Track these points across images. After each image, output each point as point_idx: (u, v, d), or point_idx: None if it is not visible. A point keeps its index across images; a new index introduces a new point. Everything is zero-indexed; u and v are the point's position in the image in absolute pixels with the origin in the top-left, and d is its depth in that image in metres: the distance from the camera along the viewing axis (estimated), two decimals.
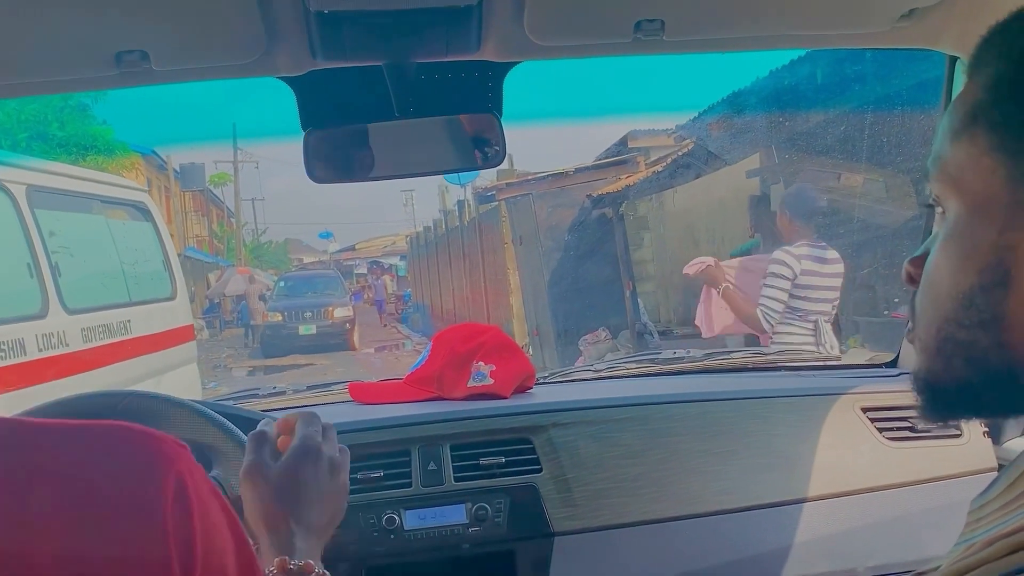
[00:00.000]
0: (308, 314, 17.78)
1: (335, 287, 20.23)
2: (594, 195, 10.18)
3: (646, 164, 9.94)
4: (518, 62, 1.39)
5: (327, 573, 0.90)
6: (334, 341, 17.03)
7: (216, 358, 15.65)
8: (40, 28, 1.18)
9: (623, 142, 11.27)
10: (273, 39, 1.23)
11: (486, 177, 13.74)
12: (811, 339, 3.35)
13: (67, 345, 4.47)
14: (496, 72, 1.40)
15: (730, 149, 7.91)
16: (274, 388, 1.88)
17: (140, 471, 0.63)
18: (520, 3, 1.19)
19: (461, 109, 1.39)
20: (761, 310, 3.36)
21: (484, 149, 1.40)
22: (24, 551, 0.59)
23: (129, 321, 5.31)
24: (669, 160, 8.88)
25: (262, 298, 19.36)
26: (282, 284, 21.09)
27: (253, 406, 1.66)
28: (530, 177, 11.85)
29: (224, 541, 0.67)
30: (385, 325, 22.24)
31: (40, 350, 4.25)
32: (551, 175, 11.12)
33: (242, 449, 1.17)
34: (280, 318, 17.85)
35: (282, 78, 1.35)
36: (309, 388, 1.88)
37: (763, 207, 6.62)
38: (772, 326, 3.37)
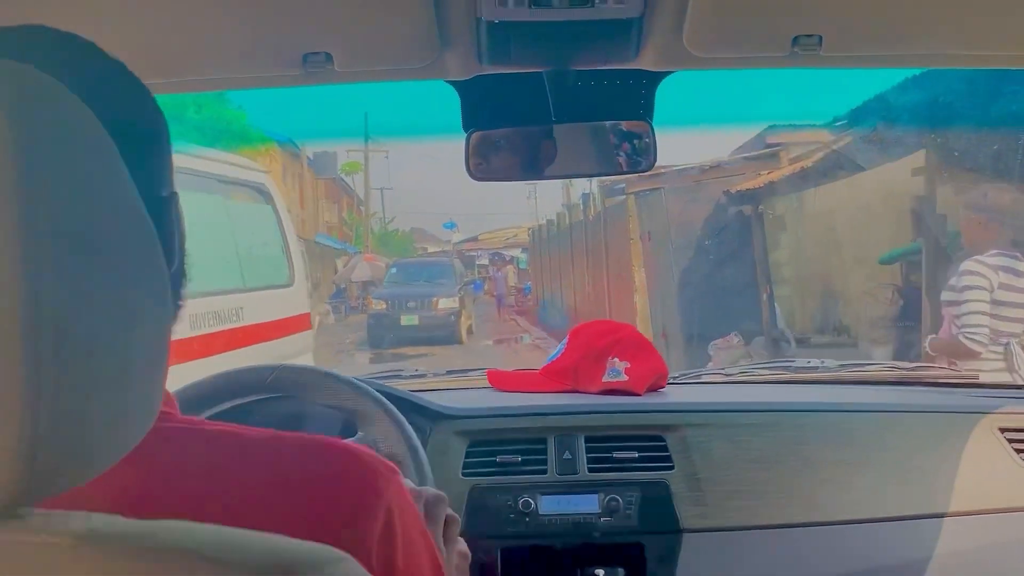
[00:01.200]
0: (412, 304, 17.00)
1: (446, 276, 19.22)
2: (732, 191, 9.72)
3: (789, 160, 9.45)
4: (673, 72, 1.46)
5: None
6: (438, 334, 16.20)
7: (340, 343, 16.04)
8: (235, 27, 1.32)
9: (760, 138, 10.67)
10: (445, 45, 1.34)
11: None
12: (1000, 364, 2.91)
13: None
14: (651, 80, 1.47)
15: (885, 148, 7.51)
16: (416, 371, 2.01)
17: (352, 501, 0.65)
18: (681, 16, 1.26)
19: (615, 115, 1.48)
20: (964, 333, 2.94)
21: (636, 154, 1.48)
22: None
23: (241, 308, 5.08)
24: (818, 156, 8.42)
25: (375, 285, 19.29)
26: (393, 271, 20.30)
27: (395, 386, 1.78)
28: (663, 171, 11.04)
29: (423, 571, 0.71)
30: (504, 319, 21.78)
31: None
32: (685, 169, 10.64)
33: (388, 415, 1.29)
34: (384, 307, 17.14)
35: (450, 81, 1.47)
36: (449, 372, 2.00)
37: (927, 209, 6.27)
38: (985, 345, 2.91)
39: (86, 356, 0.45)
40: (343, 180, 31.85)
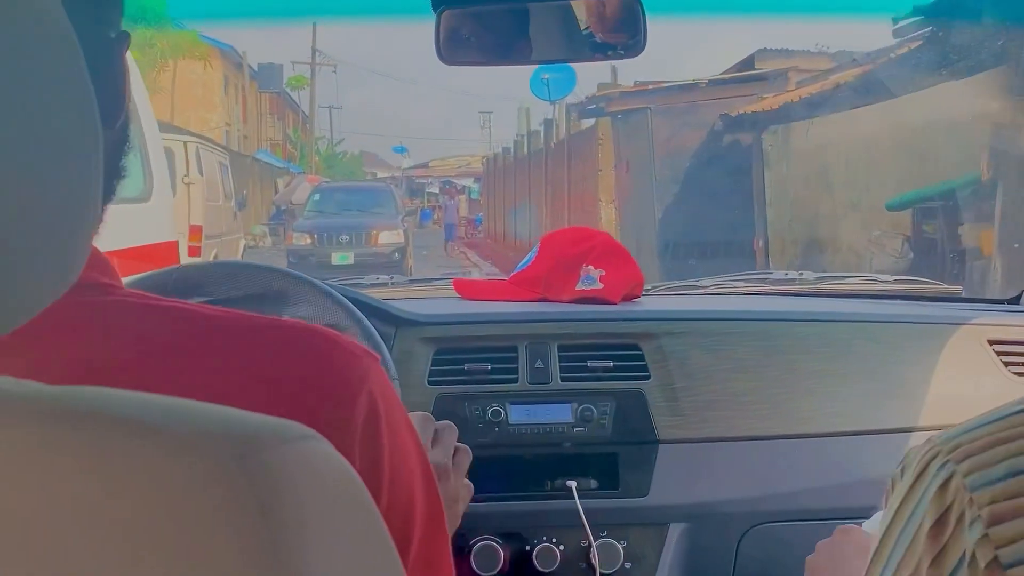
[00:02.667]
0: (345, 237, 14.36)
1: (385, 203, 16.28)
2: (732, 115, 8.71)
3: (798, 83, 8.55)
4: None
5: None
6: (429, 278, 14.51)
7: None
8: None
9: (748, 62, 9.78)
10: None
11: (583, 91, 12.34)
12: None
13: None
14: None
15: (921, 71, 6.81)
16: (377, 279, 1.95)
17: (332, 387, 0.62)
18: None
19: None
20: None
21: (623, 36, 1.40)
22: None
23: None
24: (838, 80, 7.60)
25: (303, 215, 16.38)
26: (316, 197, 16.86)
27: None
28: (650, 87, 10.03)
29: (411, 464, 0.68)
30: (453, 253, 20.61)
31: None
32: (676, 86, 9.53)
33: (362, 329, 1.25)
34: (309, 241, 14.40)
35: None
36: (412, 281, 1.94)
37: (1009, 140, 5.75)
38: None
39: None
40: (289, 95, 31.17)
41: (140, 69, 15.17)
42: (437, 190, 33.52)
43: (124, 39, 0.65)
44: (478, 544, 1.45)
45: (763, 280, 1.90)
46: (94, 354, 0.59)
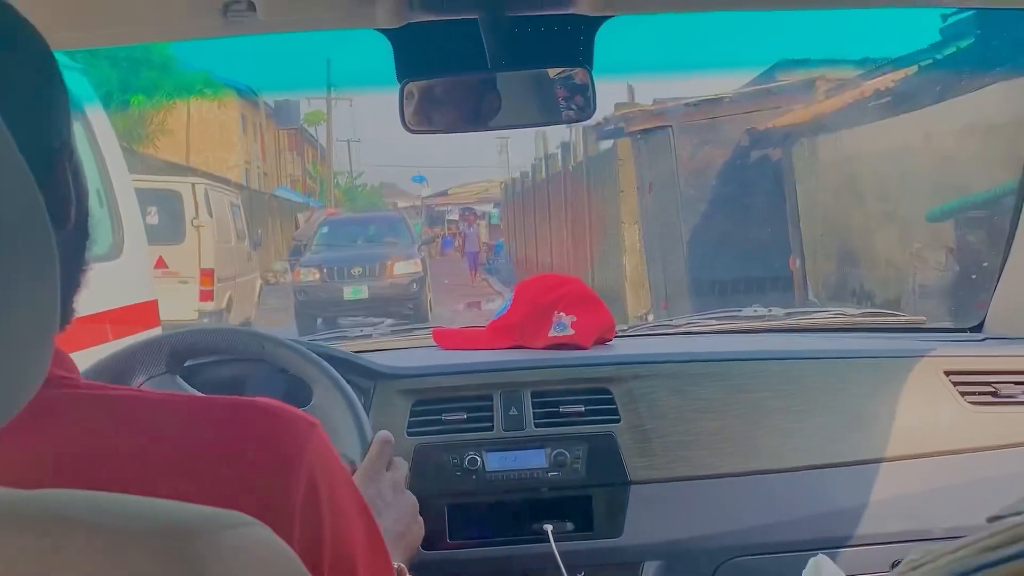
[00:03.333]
0: (357, 270, 13.39)
1: (398, 232, 15.39)
2: (759, 129, 8.39)
3: (826, 93, 8.15)
4: (611, 16, 1.49)
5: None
6: (397, 309, 12.80)
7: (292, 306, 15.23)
8: None
9: (769, 75, 9.33)
10: None
11: (602, 112, 12.08)
12: None
13: None
14: (589, 25, 1.51)
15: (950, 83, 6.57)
16: (361, 331, 2.07)
17: (269, 466, 0.65)
18: None
19: (554, 62, 1.51)
20: None
21: (574, 103, 1.52)
22: None
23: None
24: (872, 86, 7.23)
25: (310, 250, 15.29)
26: (324, 230, 15.71)
27: (342, 347, 1.83)
28: (670, 104, 9.52)
29: (353, 526, 0.71)
30: (475, 281, 20.30)
31: None
32: (697, 102, 9.05)
33: (326, 375, 1.34)
34: (317, 276, 13.35)
35: (380, 30, 1.49)
36: (394, 332, 2.05)
37: None
38: None
39: None
40: (307, 131, 31.61)
41: (144, 112, 15.14)
42: (457, 217, 33.68)
43: (68, 150, 0.69)
44: None
45: (733, 318, 1.99)
46: (44, 449, 0.62)
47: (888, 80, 7.30)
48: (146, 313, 3.96)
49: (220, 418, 0.67)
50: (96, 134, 3.90)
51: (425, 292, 13.75)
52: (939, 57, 6.87)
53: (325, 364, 1.39)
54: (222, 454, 0.65)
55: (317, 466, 0.67)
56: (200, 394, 0.72)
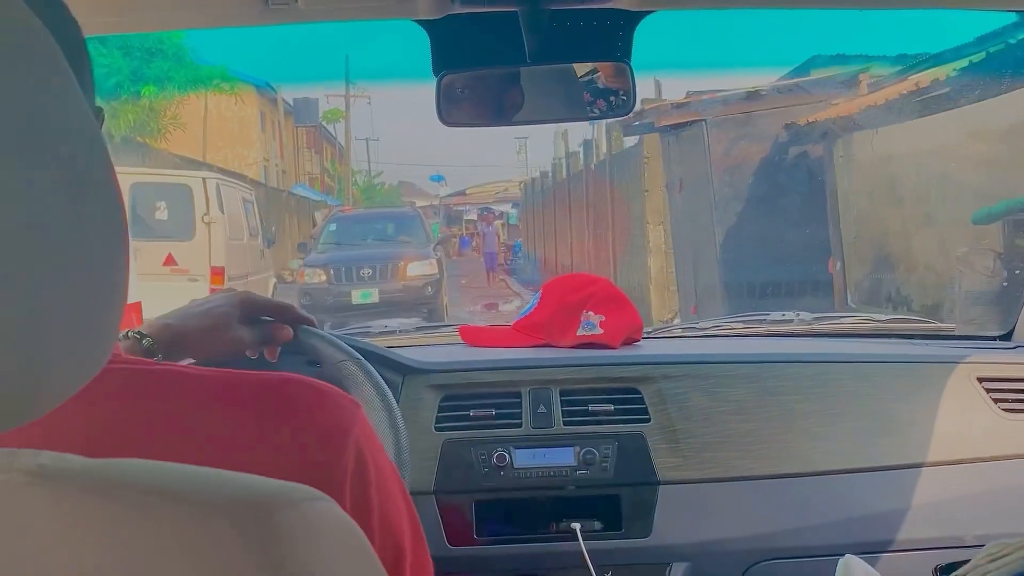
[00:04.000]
0: (366, 271, 12.60)
1: (412, 230, 14.46)
2: (800, 123, 8.09)
3: (869, 86, 7.96)
4: (652, 11, 1.52)
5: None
6: (410, 315, 11.27)
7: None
8: None
9: (803, 70, 9.23)
10: None
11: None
12: None
13: None
14: (628, 21, 1.53)
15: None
16: (385, 327, 2.09)
17: (320, 438, 0.67)
18: None
19: (592, 57, 1.54)
20: None
21: (613, 98, 1.54)
22: None
23: None
24: (918, 81, 6.96)
25: (316, 249, 14.42)
26: (332, 227, 14.95)
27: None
28: (704, 97, 9.17)
29: (399, 507, 0.73)
30: (492, 282, 19.79)
31: None
32: (733, 96, 8.77)
33: (360, 368, 1.37)
34: (324, 278, 12.61)
35: (419, 21, 1.52)
36: (418, 329, 2.08)
37: None
38: None
39: (33, 280, 0.43)
40: (325, 129, 31.78)
41: (157, 104, 15.07)
42: (475, 217, 33.73)
43: (102, 114, 0.71)
44: None
45: (760, 321, 2.02)
46: (99, 418, 0.65)
47: (932, 76, 7.12)
48: (129, 315, 3.77)
49: (265, 392, 0.69)
50: None
51: (441, 296, 13.05)
52: (985, 53, 6.71)
53: (357, 355, 1.41)
54: (268, 427, 0.67)
55: (364, 443, 0.69)
56: (240, 370, 0.72)
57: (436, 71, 1.57)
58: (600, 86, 1.57)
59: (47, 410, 0.47)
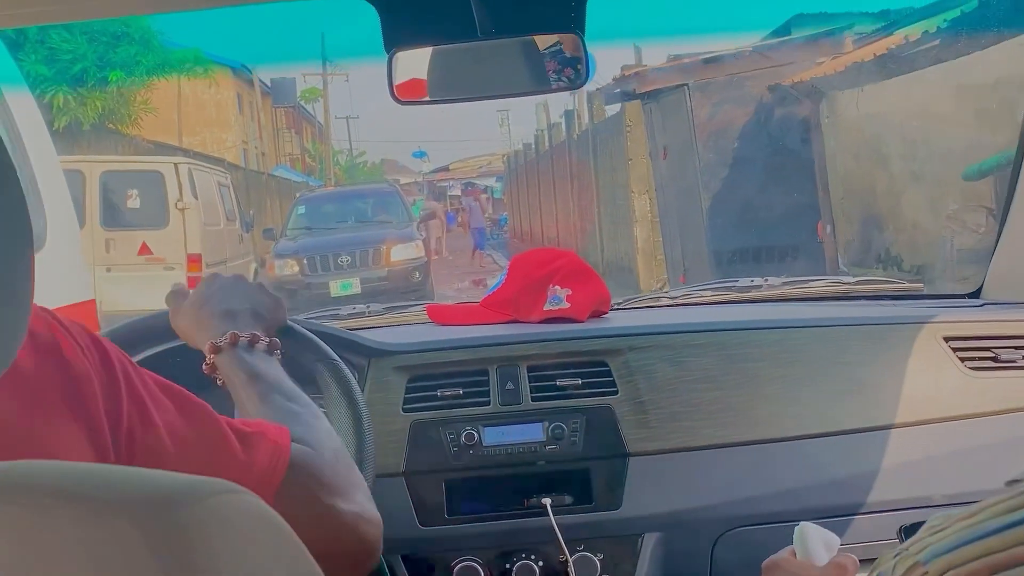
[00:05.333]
0: (345, 259, 11.66)
1: (392, 209, 13.52)
2: (784, 84, 8.04)
3: (854, 43, 7.91)
4: None
5: (276, 340, 1.20)
6: (404, 305, 7.85)
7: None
8: None
9: (784, 30, 9.24)
10: None
11: (608, 74, 11.00)
12: None
13: None
14: None
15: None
16: (354, 308, 2.12)
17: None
18: None
19: (544, 29, 1.55)
20: None
21: (567, 70, 1.56)
22: None
23: None
24: (906, 35, 6.93)
25: (284, 235, 13.31)
26: (301, 210, 13.85)
27: (335, 326, 1.87)
28: (685, 60, 8.98)
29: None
30: (480, 263, 19.26)
31: None
32: (714, 57, 8.65)
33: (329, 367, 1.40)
34: (296, 269, 11.59)
35: None
36: (387, 308, 2.11)
37: None
38: None
39: None
40: (304, 108, 31.67)
41: (126, 88, 14.91)
42: (459, 192, 33.70)
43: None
44: (459, 565, 1.61)
45: (729, 288, 2.04)
46: None
47: (918, 30, 7.11)
48: (81, 316, 3.20)
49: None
50: (10, 107, 3.59)
51: (430, 280, 12.22)
52: (969, 6, 6.75)
53: (319, 343, 1.42)
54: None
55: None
56: None
57: (387, 48, 1.58)
58: (553, 59, 1.59)
59: None
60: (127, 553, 0.46)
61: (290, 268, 11.60)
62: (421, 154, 38.38)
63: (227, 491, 0.50)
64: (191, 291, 1.30)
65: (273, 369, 1.16)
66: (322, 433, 1.05)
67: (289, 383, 1.15)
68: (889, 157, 7.64)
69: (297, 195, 16.70)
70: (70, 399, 0.73)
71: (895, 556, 0.67)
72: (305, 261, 11.61)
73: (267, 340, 1.20)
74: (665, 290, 2.23)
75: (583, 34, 1.57)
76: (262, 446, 0.90)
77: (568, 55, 1.59)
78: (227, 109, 22.75)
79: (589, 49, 1.57)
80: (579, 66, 1.58)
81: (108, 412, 0.76)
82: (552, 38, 1.58)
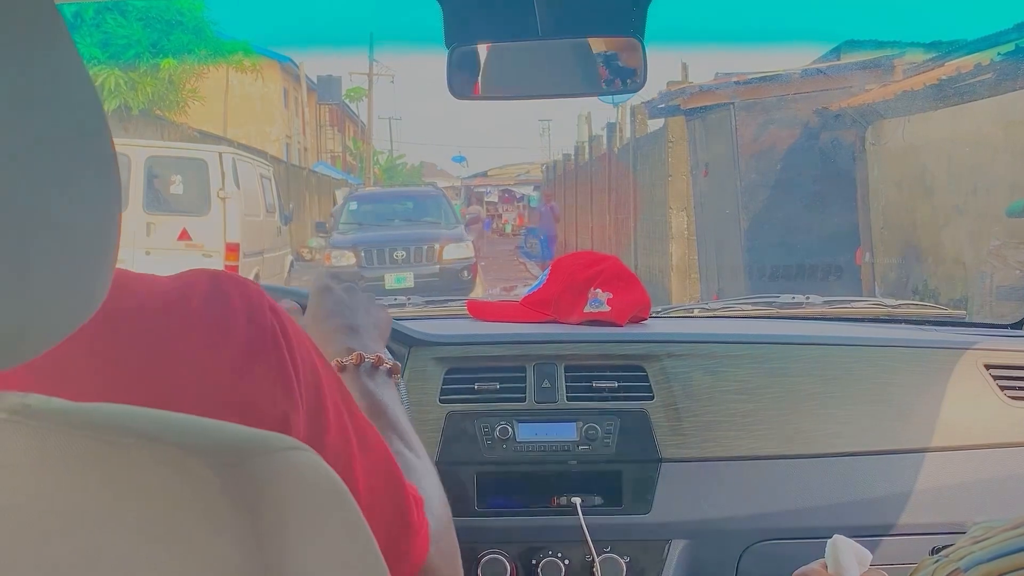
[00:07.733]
0: (400, 254, 12.09)
1: (441, 211, 14.09)
2: (832, 109, 7.98)
3: (904, 72, 7.92)
4: None
5: (397, 363, 1.14)
6: (444, 299, 8.58)
7: None
8: None
9: (834, 55, 9.24)
10: None
11: (654, 89, 11.27)
12: None
13: None
14: None
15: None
16: (395, 299, 2.14)
17: (244, 312, 0.73)
18: None
19: (604, 31, 1.56)
20: None
21: (625, 74, 1.57)
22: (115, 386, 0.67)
23: None
24: (958, 66, 6.87)
25: (336, 229, 13.95)
26: (353, 206, 14.42)
27: None
28: (735, 78, 9.10)
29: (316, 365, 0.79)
30: (511, 262, 19.99)
31: None
32: (762, 79, 8.76)
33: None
34: (352, 260, 12.11)
35: None
36: (428, 302, 2.12)
37: None
38: None
39: (20, 226, 0.45)
40: (348, 107, 31.97)
41: (176, 76, 15.13)
42: (496, 199, 33.76)
43: None
44: (485, 557, 1.62)
45: (770, 303, 2.05)
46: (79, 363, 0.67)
47: (970, 63, 7.06)
48: None
49: (184, 283, 0.73)
50: None
51: (476, 279, 12.58)
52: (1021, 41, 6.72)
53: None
54: (205, 315, 0.71)
55: (280, 312, 0.75)
56: None
57: (448, 43, 1.60)
58: (611, 63, 1.60)
59: (33, 355, 0.49)
60: (206, 499, 0.47)
61: (347, 259, 12.11)
62: (460, 159, 38.59)
63: (293, 447, 0.52)
64: (307, 307, 1.22)
65: (393, 402, 1.10)
66: (435, 491, 1.01)
67: (405, 421, 1.09)
68: (933, 188, 7.59)
69: (336, 192, 17.42)
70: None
71: (935, 561, 0.68)
72: (362, 253, 12.16)
73: (390, 363, 1.13)
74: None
75: (643, 38, 1.58)
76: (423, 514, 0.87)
77: (623, 60, 1.60)
78: (273, 103, 23.02)
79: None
80: (636, 72, 1.59)
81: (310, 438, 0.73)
82: (608, 42, 1.59)
